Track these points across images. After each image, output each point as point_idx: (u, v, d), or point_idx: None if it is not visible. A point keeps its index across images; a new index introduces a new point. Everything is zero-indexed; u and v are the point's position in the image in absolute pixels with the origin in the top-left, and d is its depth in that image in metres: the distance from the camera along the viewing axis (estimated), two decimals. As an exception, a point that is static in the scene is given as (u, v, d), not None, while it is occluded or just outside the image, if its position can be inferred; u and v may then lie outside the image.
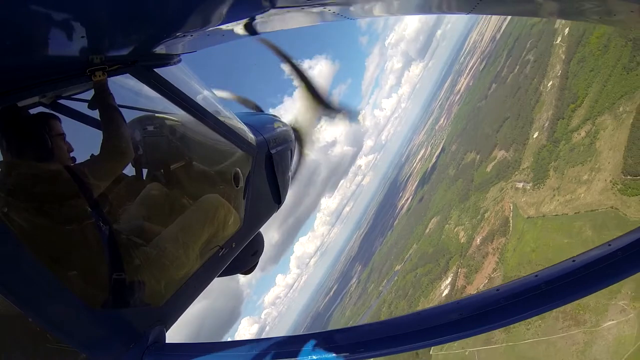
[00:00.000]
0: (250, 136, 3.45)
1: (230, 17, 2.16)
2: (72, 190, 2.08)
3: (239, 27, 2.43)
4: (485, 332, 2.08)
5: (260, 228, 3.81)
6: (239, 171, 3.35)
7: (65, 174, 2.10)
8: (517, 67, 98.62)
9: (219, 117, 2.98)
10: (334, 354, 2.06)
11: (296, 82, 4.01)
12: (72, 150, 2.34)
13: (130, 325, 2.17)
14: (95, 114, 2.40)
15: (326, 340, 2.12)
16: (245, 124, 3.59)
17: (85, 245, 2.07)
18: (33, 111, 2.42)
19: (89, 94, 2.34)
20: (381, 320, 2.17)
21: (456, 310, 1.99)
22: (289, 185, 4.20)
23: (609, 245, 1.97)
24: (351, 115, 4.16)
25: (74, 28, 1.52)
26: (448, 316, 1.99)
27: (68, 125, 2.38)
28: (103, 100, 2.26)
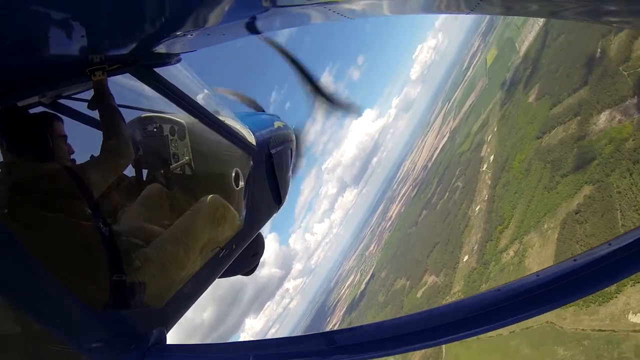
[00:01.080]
0: (251, 136, 3.45)
1: (230, 16, 2.16)
2: (72, 191, 2.08)
3: (239, 26, 2.43)
4: (485, 332, 2.08)
5: (260, 229, 3.81)
6: (239, 171, 3.34)
7: (65, 174, 2.09)
8: (447, 193, 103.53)
9: (219, 117, 2.97)
10: (334, 355, 2.06)
11: (298, 79, 3.99)
12: (72, 152, 2.33)
13: (130, 327, 2.16)
14: (95, 114, 2.40)
15: (326, 340, 2.11)
16: (245, 123, 3.58)
17: (85, 247, 2.06)
18: (33, 111, 2.42)
19: (88, 94, 2.34)
20: (381, 321, 2.16)
21: (457, 311, 1.99)
22: (289, 185, 4.20)
23: (609, 244, 1.97)
24: (353, 109, 4.14)
25: (73, 28, 1.51)
26: (448, 316, 1.99)
27: (68, 125, 2.38)
28: (103, 100, 2.26)
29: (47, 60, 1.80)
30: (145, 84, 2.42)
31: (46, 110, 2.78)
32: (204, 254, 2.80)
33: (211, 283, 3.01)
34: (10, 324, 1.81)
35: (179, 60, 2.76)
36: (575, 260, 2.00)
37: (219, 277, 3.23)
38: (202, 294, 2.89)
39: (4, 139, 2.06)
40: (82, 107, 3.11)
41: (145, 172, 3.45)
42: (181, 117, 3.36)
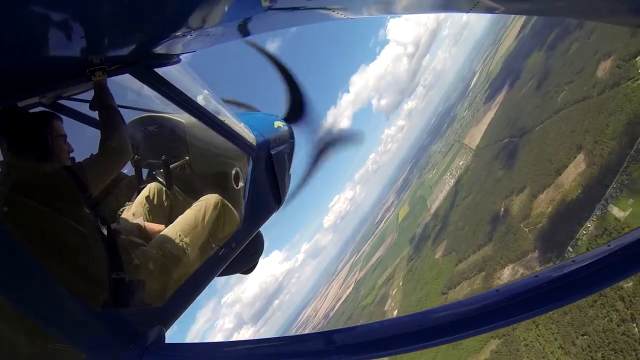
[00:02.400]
0: (251, 136, 3.45)
1: (230, 17, 2.16)
2: (72, 190, 2.08)
3: (238, 27, 2.43)
4: (485, 333, 2.07)
5: (260, 228, 3.81)
6: (239, 171, 3.35)
7: (65, 174, 2.10)
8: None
9: (219, 117, 2.97)
10: (334, 355, 2.06)
11: (282, 83, 4.05)
12: (72, 151, 2.34)
13: (129, 325, 2.17)
14: (95, 114, 2.40)
15: (326, 340, 2.12)
16: (246, 123, 3.59)
17: (84, 245, 2.07)
18: (33, 111, 2.42)
19: (89, 94, 2.35)
20: (381, 321, 2.17)
21: (456, 311, 1.99)
22: (289, 185, 4.20)
23: (609, 246, 1.97)
24: (317, 120, 4.16)
25: (73, 28, 1.52)
26: (448, 316, 1.99)
27: (68, 125, 2.38)
28: (103, 100, 2.26)
29: (47, 60, 1.80)
30: (145, 84, 2.42)
31: (45, 109, 2.79)
32: (203, 252, 2.81)
33: (210, 281, 3.01)
34: (10, 323, 1.81)
35: (178, 61, 2.77)
36: (573, 261, 2.00)
37: (219, 276, 3.23)
38: (201, 292, 2.89)
39: (4, 139, 2.06)
40: (82, 107, 3.12)
41: (145, 171, 3.46)
42: (181, 117, 3.36)
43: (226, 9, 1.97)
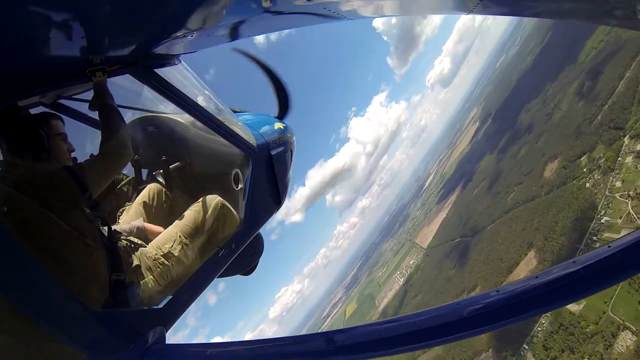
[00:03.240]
0: (251, 137, 3.45)
1: (230, 17, 2.16)
2: (72, 191, 2.08)
3: (239, 27, 2.43)
4: (485, 333, 2.07)
5: (260, 229, 3.81)
6: (239, 172, 3.35)
7: (64, 173, 2.10)
8: None
9: (219, 118, 2.97)
10: (334, 355, 2.06)
11: (270, 86, 4.22)
12: (73, 150, 2.34)
13: (130, 326, 2.17)
14: (96, 114, 2.40)
15: (326, 340, 2.11)
16: (246, 124, 3.59)
17: (84, 246, 2.07)
18: (33, 111, 2.42)
19: (89, 94, 2.34)
20: (380, 321, 2.17)
21: (456, 311, 1.99)
22: (289, 186, 4.20)
23: (609, 246, 1.97)
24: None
25: (74, 28, 1.52)
26: (448, 316, 1.99)
27: (68, 125, 2.38)
28: (103, 100, 2.26)
29: (47, 60, 1.80)
30: (145, 84, 2.42)
31: (44, 109, 2.79)
32: (203, 253, 2.81)
33: (210, 282, 3.01)
34: (10, 323, 1.81)
35: (179, 61, 2.77)
36: (574, 262, 2.00)
37: (219, 277, 3.23)
38: (201, 293, 2.89)
39: (3, 139, 2.07)
40: (82, 107, 3.12)
41: (145, 172, 3.46)
42: (181, 117, 3.36)
43: (226, 9, 1.97)
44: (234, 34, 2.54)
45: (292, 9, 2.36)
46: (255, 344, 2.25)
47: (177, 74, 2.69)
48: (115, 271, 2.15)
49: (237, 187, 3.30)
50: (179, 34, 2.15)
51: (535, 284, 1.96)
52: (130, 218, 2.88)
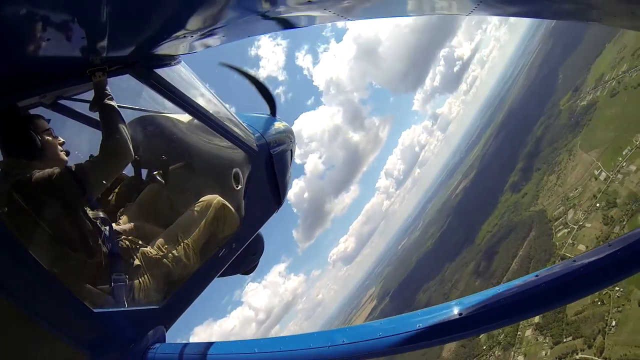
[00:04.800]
0: (251, 136, 3.45)
1: (230, 18, 2.16)
2: (72, 191, 2.08)
3: (239, 28, 2.43)
4: (485, 332, 2.07)
5: (260, 228, 3.81)
6: (239, 171, 3.34)
7: (65, 174, 2.10)
8: None
9: (219, 118, 2.97)
10: (334, 355, 2.06)
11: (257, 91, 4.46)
12: (62, 143, 2.34)
13: (130, 326, 2.17)
14: (96, 114, 2.41)
15: (326, 340, 2.11)
16: (246, 124, 3.59)
17: (85, 245, 2.07)
18: (33, 111, 2.42)
19: (89, 94, 2.35)
20: (380, 320, 2.17)
21: (457, 310, 1.99)
22: (289, 186, 4.20)
23: (609, 245, 1.97)
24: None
25: (74, 28, 1.52)
26: (448, 316, 1.99)
27: (68, 126, 2.39)
28: (103, 100, 2.26)
29: (47, 60, 1.80)
30: (146, 84, 2.42)
31: (44, 109, 2.79)
32: (203, 253, 2.81)
33: (210, 282, 3.01)
34: (10, 323, 1.81)
35: (179, 62, 2.77)
36: (574, 261, 2.00)
37: (219, 276, 3.23)
38: (201, 292, 2.89)
39: (2, 139, 2.08)
40: (82, 108, 3.12)
41: (145, 172, 3.45)
42: (181, 117, 3.36)
43: (225, 10, 1.98)
44: (233, 35, 2.54)
45: (292, 10, 2.36)
46: (255, 344, 2.25)
47: (177, 74, 2.69)
48: (116, 271, 2.15)
49: (237, 187, 3.30)
50: (179, 34, 2.16)
51: (536, 282, 1.96)
52: (130, 218, 2.88)
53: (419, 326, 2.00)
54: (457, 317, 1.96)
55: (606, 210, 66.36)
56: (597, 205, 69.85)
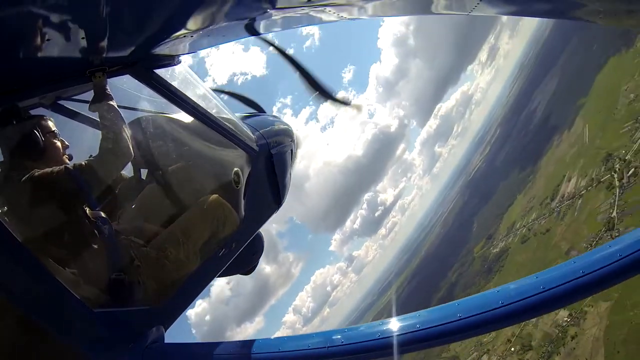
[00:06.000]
0: (251, 136, 3.45)
1: (230, 18, 2.16)
2: (72, 191, 2.09)
3: (238, 28, 2.43)
4: (485, 333, 2.07)
5: (260, 228, 3.81)
6: (239, 171, 3.34)
7: (65, 174, 2.11)
8: None
9: (219, 118, 2.97)
10: (334, 355, 2.06)
11: (298, 76, 4.08)
12: (67, 147, 2.35)
13: (129, 325, 2.17)
14: (96, 114, 2.41)
15: (326, 340, 2.11)
16: (246, 124, 3.58)
17: (84, 245, 2.07)
18: (33, 112, 2.43)
19: (89, 95, 2.35)
20: (380, 321, 2.16)
21: (456, 311, 1.98)
22: (289, 186, 4.20)
23: (609, 247, 1.96)
24: (350, 103, 4.24)
25: (74, 29, 1.52)
26: (448, 317, 1.98)
27: (68, 126, 2.39)
28: (103, 101, 2.27)
29: (47, 61, 1.81)
30: (146, 85, 2.43)
31: (44, 110, 2.80)
32: (203, 253, 2.81)
33: (210, 282, 3.02)
34: (10, 323, 1.82)
35: (179, 62, 2.77)
36: (574, 262, 1.99)
37: (219, 276, 3.23)
38: (201, 292, 2.89)
39: (2, 139, 2.08)
40: (82, 108, 3.12)
41: (145, 172, 3.46)
42: (181, 117, 3.36)
43: (225, 10, 1.98)
44: (233, 35, 2.54)
45: (292, 10, 2.36)
46: (255, 344, 2.25)
47: (177, 75, 2.69)
48: (115, 271, 2.16)
49: (237, 187, 3.30)
50: (179, 34, 2.16)
51: (535, 284, 1.96)
52: (130, 218, 2.88)
53: (419, 327, 2.00)
54: (457, 318, 1.96)
55: (521, 354, 67.37)
56: (512, 349, 70.94)
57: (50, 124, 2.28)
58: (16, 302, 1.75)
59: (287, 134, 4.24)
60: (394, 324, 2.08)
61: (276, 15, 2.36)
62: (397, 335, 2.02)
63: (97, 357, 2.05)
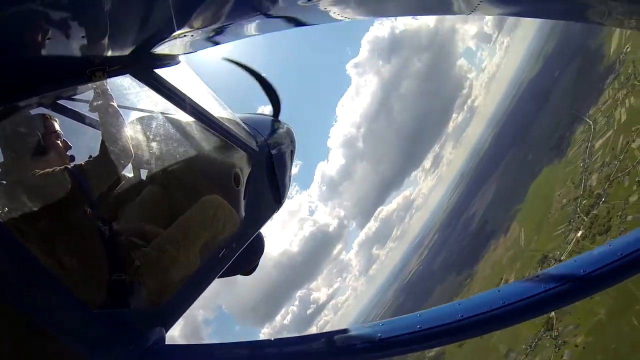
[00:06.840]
0: (251, 136, 3.45)
1: (230, 18, 2.16)
2: (72, 191, 2.08)
3: (239, 28, 2.43)
4: (486, 333, 2.07)
5: (260, 229, 3.81)
6: (239, 171, 3.34)
7: (65, 174, 2.10)
8: None
9: (219, 118, 2.97)
10: (334, 355, 2.06)
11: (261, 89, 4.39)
12: (69, 147, 2.34)
13: (129, 326, 2.16)
14: (96, 114, 2.40)
15: (326, 341, 2.11)
16: (246, 124, 3.58)
17: (84, 246, 2.07)
18: (33, 112, 2.42)
19: (89, 95, 2.35)
20: (379, 322, 2.16)
21: (456, 312, 1.98)
22: (289, 185, 4.20)
23: (609, 245, 1.97)
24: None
25: (74, 28, 1.52)
26: (448, 317, 1.98)
27: (68, 126, 2.39)
28: (103, 100, 2.26)
29: (47, 61, 1.80)
30: (146, 85, 2.42)
31: (44, 110, 2.79)
32: (203, 253, 2.80)
33: (210, 283, 3.01)
34: (10, 323, 1.81)
35: (179, 62, 2.77)
36: (575, 261, 2.00)
37: (219, 277, 3.23)
38: (201, 293, 2.89)
39: (3, 139, 2.08)
40: (82, 108, 3.12)
41: (145, 172, 3.45)
42: (181, 117, 3.36)
43: (225, 10, 1.98)
44: (233, 35, 2.54)
45: (292, 10, 2.36)
46: (255, 345, 2.25)
47: (177, 74, 2.68)
48: (116, 271, 2.15)
49: (237, 187, 3.30)
50: (179, 34, 2.15)
51: (536, 284, 1.96)
52: (130, 218, 2.88)
53: (419, 327, 2.00)
54: (458, 317, 1.96)
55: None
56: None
57: (54, 124, 2.28)
58: (16, 302, 1.74)
59: (287, 134, 4.25)
60: (395, 324, 2.08)
61: (276, 15, 2.36)
62: (398, 335, 2.02)
63: (97, 358, 2.04)
